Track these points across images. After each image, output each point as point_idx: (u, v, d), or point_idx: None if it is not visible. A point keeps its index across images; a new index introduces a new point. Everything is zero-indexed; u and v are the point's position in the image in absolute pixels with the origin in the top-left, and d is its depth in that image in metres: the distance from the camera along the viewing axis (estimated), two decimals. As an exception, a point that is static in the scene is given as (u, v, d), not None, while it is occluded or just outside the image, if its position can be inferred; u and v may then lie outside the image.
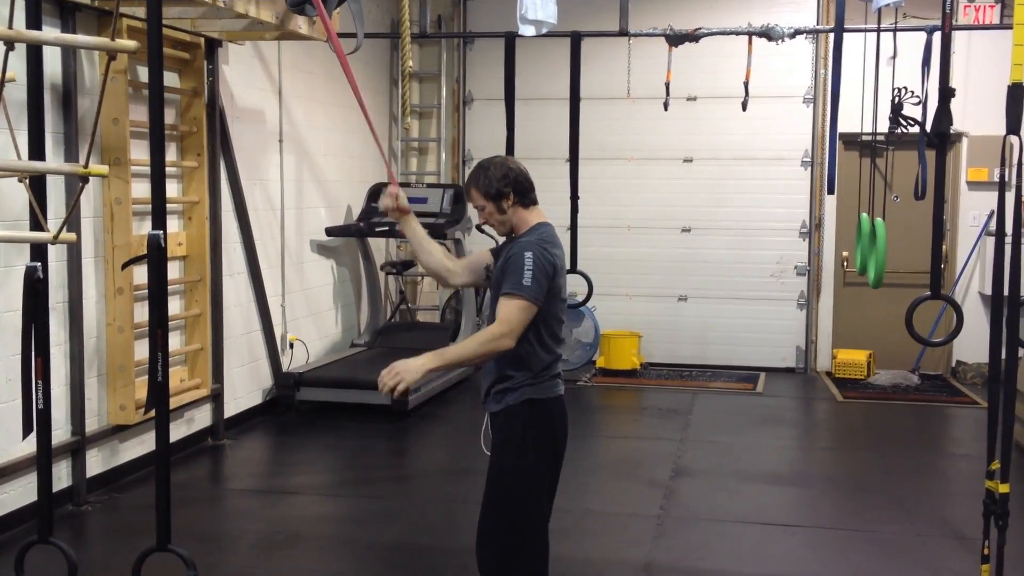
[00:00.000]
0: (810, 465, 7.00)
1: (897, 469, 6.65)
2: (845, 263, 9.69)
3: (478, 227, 7.46)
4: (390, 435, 7.42)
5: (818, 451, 7.48)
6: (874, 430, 7.90)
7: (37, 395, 4.17)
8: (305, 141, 8.32)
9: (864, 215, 6.18)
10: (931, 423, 8.12)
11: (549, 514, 3.67)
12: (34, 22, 4.12)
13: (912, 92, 5.67)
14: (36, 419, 4.20)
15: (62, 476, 5.45)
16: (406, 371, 3.32)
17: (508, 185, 3.56)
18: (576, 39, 6.87)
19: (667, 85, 6.93)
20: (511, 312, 3.39)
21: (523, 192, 3.60)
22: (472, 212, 8.48)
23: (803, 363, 9.84)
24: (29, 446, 4.71)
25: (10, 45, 3.33)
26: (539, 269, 3.43)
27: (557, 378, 3.64)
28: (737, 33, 6.74)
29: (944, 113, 5.13)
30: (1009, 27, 4.40)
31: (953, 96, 5.17)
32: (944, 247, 6.81)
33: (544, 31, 5.02)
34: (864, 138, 6.86)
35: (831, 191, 5.57)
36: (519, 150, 6.99)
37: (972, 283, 9.48)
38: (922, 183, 5.61)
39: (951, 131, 5.25)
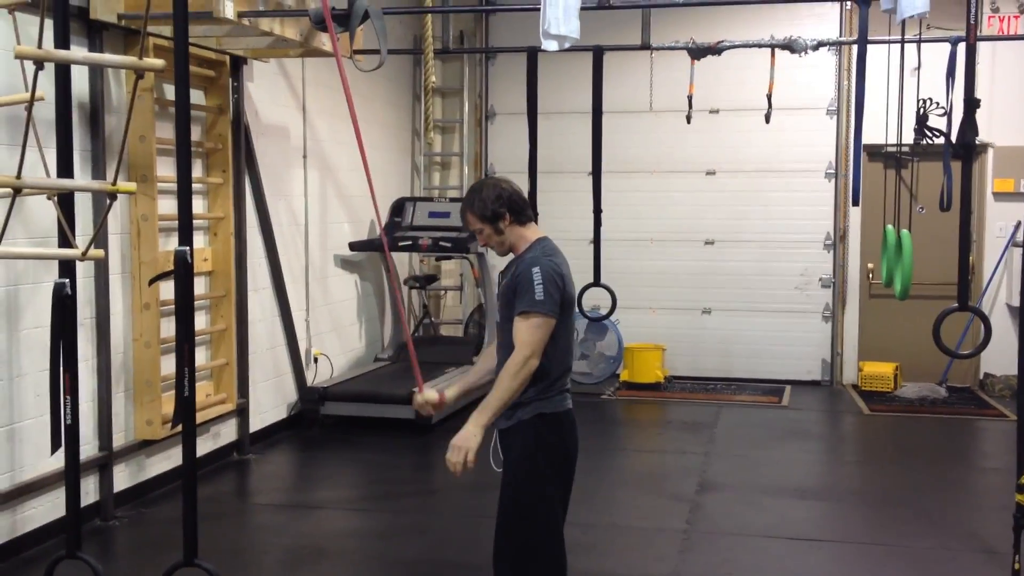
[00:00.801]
0: (837, 479, 6.95)
1: (925, 483, 6.58)
2: (871, 275, 9.63)
3: (477, 253, 7.47)
4: (414, 449, 7.43)
5: (845, 465, 7.43)
6: (901, 443, 7.83)
7: (65, 410, 4.21)
8: (329, 157, 8.37)
9: (890, 227, 6.15)
10: (959, 436, 8.04)
11: (563, 526, 3.66)
12: (63, 42, 4.18)
13: (937, 103, 5.65)
14: (64, 434, 4.24)
15: (90, 491, 5.49)
16: (466, 441, 3.38)
17: (503, 205, 3.57)
18: (599, 53, 6.88)
19: (690, 98, 6.93)
20: (530, 332, 3.40)
21: (518, 210, 3.61)
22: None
23: (829, 376, 9.78)
24: (57, 461, 4.74)
25: (39, 65, 3.37)
26: (549, 282, 3.44)
27: (566, 391, 3.64)
28: (760, 46, 6.73)
29: (969, 124, 5.09)
30: (1035, 37, 4.37)
31: (978, 107, 5.14)
32: (971, 258, 6.76)
33: (567, 46, 5.03)
34: (889, 149, 6.84)
35: (856, 203, 5.53)
36: (542, 164, 7.01)
37: (999, 294, 9.40)
38: (947, 194, 5.58)
39: (976, 142, 5.22)
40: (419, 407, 3.80)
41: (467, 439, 3.38)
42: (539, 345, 3.41)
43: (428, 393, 3.76)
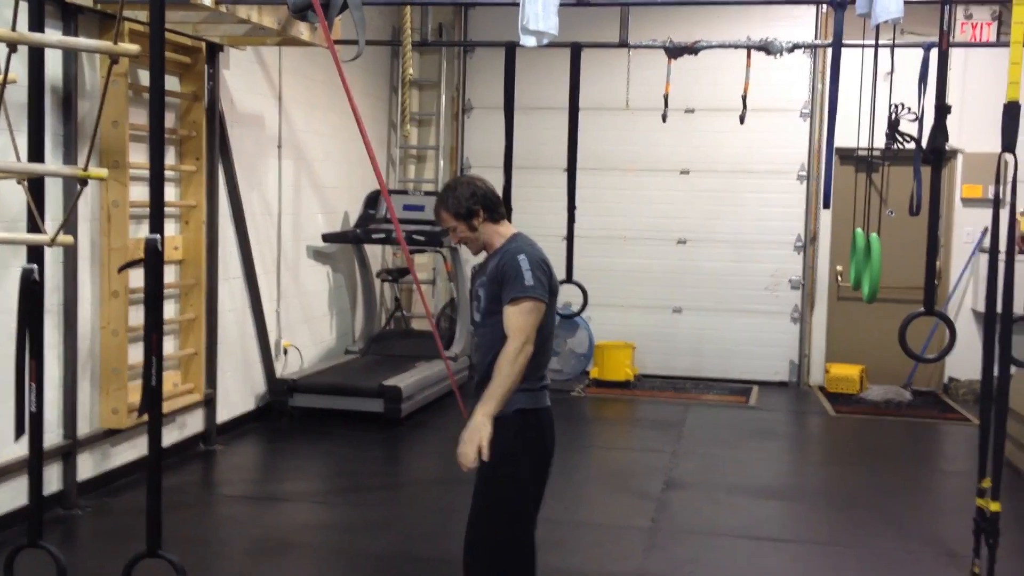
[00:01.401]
0: (802, 479, 7.01)
1: (888, 485, 6.65)
2: (839, 277, 9.71)
3: (451, 247, 7.41)
4: (383, 443, 7.42)
5: (810, 465, 7.49)
6: (866, 445, 7.91)
7: (30, 398, 4.17)
8: (304, 147, 8.33)
9: (859, 230, 6.20)
10: (923, 439, 8.14)
11: (535, 524, 3.68)
12: (37, 24, 4.13)
13: (909, 108, 5.70)
14: (28, 422, 4.20)
15: (53, 480, 5.44)
16: (475, 432, 3.34)
17: (477, 203, 3.59)
18: (576, 50, 6.90)
19: (666, 97, 6.97)
20: (520, 319, 3.41)
21: (492, 208, 3.62)
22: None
23: (796, 377, 9.86)
24: (20, 449, 4.69)
25: (12, 47, 3.33)
26: (537, 268, 3.47)
27: (546, 389, 3.66)
28: (736, 46, 6.78)
29: (940, 130, 5.16)
30: (1006, 45, 4.43)
31: (949, 113, 5.21)
32: (938, 263, 6.85)
33: (545, 42, 5.03)
34: (860, 153, 6.88)
35: (827, 205, 5.59)
36: (517, 159, 7.02)
37: (965, 299, 9.51)
38: (917, 199, 5.64)
39: (946, 148, 5.28)
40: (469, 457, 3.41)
41: (477, 430, 3.34)
42: (532, 330, 3.43)
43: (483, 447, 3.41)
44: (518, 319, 3.41)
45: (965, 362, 9.07)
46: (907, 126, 5.83)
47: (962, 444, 7.88)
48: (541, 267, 3.49)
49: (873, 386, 9.48)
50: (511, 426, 3.49)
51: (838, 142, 5.50)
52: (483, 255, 3.71)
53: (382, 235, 8.69)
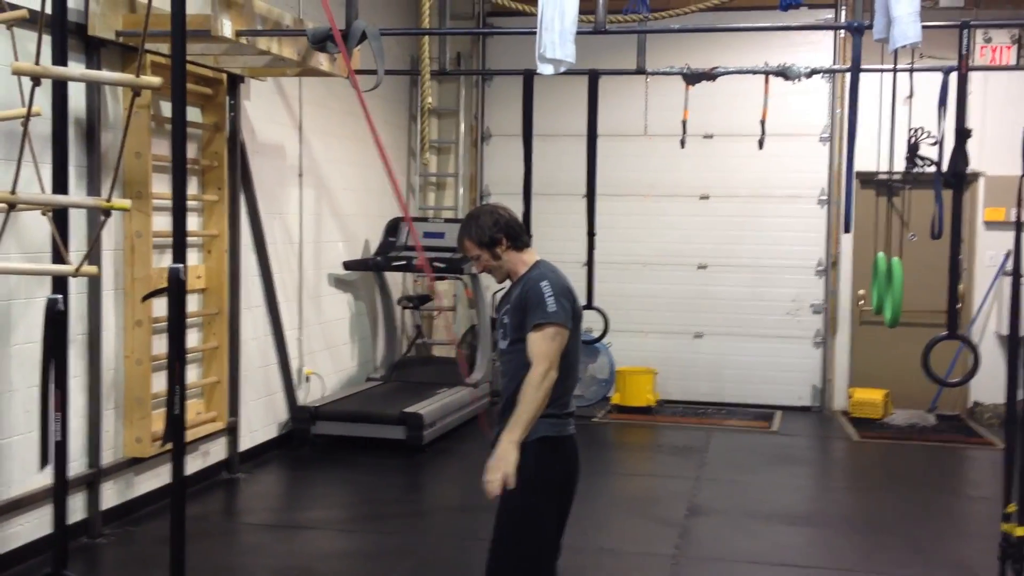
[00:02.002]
0: (826, 505, 6.94)
1: (913, 510, 6.59)
2: (861, 301, 9.66)
3: (471, 273, 7.40)
4: (405, 470, 7.41)
5: (834, 491, 7.43)
6: (890, 471, 7.83)
7: (55, 427, 4.20)
8: (324, 175, 8.39)
9: (881, 254, 6.18)
10: (948, 464, 8.05)
11: (559, 553, 3.66)
12: (60, 58, 4.19)
13: (928, 132, 5.70)
14: (53, 451, 4.23)
15: (77, 508, 5.46)
16: (500, 460, 3.36)
17: (500, 231, 3.61)
18: (594, 77, 6.94)
19: (684, 123, 6.99)
20: (544, 345, 3.42)
21: (515, 236, 3.65)
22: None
23: (819, 402, 9.79)
24: (45, 478, 4.72)
25: (36, 81, 3.38)
26: (560, 294, 3.48)
27: (571, 416, 3.65)
28: (754, 72, 6.79)
29: (960, 153, 5.15)
30: (1025, 69, 4.42)
31: (970, 136, 5.20)
32: (961, 287, 6.80)
33: (562, 70, 5.07)
34: (881, 177, 6.88)
35: (848, 229, 5.58)
36: (536, 186, 7.05)
37: (989, 323, 9.43)
38: (938, 222, 5.62)
39: (968, 171, 5.26)
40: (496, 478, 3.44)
41: (503, 458, 3.36)
42: (556, 356, 3.44)
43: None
44: (541, 345, 3.42)
45: (990, 386, 8.98)
46: (927, 150, 5.82)
47: (987, 469, 7.79)
48: (565, 293, 3.50)
49: (897, 411, 9.40)
50: (532, 454, 3.48)
51: (858, 166, 5.50)
52: (507, 283, 3.72)
53: (403, 262, 8.72)
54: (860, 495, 7.17)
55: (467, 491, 7.04)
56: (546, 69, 5.04)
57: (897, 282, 5.74)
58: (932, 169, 5.62)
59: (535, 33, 5.01)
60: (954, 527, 6.39)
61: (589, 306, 7.14)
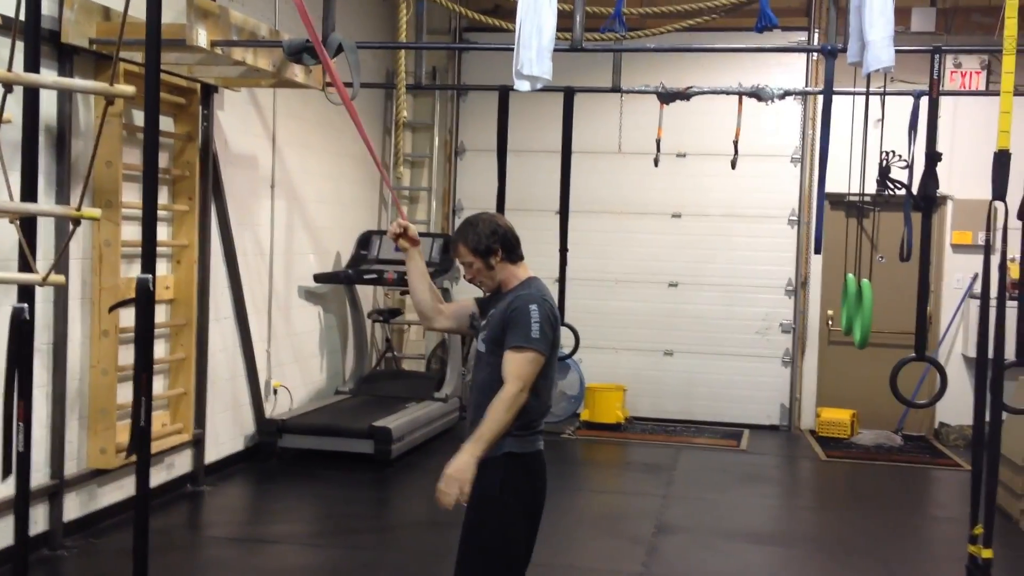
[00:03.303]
0: (793, 524, 6.97)
1: (880, 531, 6.63)
2: (830, 322, 9.73)
3: (442, 288, 7.46)
4: (373, 484, 7.36)
5: (801, 510, 7.46)
6: (857, 490, 7.88)
7: (18, 437, 4.13)
8: (297, 187, 8.35)
9: (850, 275, 6.23)
10: (914, 485, 8.11)
11: (526, 570, 3.64)
12: (33, 65, 4.15)
13: (899, 155, 5.76)
14: (16, 462, 4.16)
15: (39, 520, 5.38)
16: (459, 472, 3.34)
17: (497, 241, 3.58)
18: (569, 94, 6.97)
19: (658, 141, 7.02)
20: (522, 366, 3.41)
21: (511, 248, 3.63)
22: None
23: (787, 421, 9.84)
24: (6, 489, 4.65)
25: (8, 87, 3.34)
26: (545, 321, 3.47)
27: (540, 433, 3.62)
28: (728, 92, 6.83)
29: (930, 177, 5.21)
30: (995, 93, 4.48)
31: (940, 160, 5.26)
32: (928, 309, 6.88)
33: (539, 86, 5.08)
34: (851, 199, 6.93)
35: (818, 251, 5.62)
36: (509, 201, 7.05)
37: (956, 345, 9.53)
38: (907, 245, 5.68)
39: (937, 194, 5.32)
40: (396, 225, 3.83)
41: (462, 470, 3.33)
42: (531, 380, 3.43)
43: (412, 226, 3.83)
44: (519, 366, 3.41)
45: (956, 407, 9.06)
46: (897, 173, 5.88)
47: (954, 489, 7.86)
48: (549, 321, 3.49)
49: (864, 431, 9.47)
50: (499, 469, 3.46)
51: (829, 187, 5.54)
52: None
53: (373, 275, 8.69)
54: (827, 514, 7.21)
55: (435, 506, 6.97)
56: (523, 85, 5.04)
57: (867, 304, 5.79)
58: (902, 192, 5.68)
59: (511, 49, 5.02)
60: (921, 548, 6.43)
61: (560, 322, 7.14)
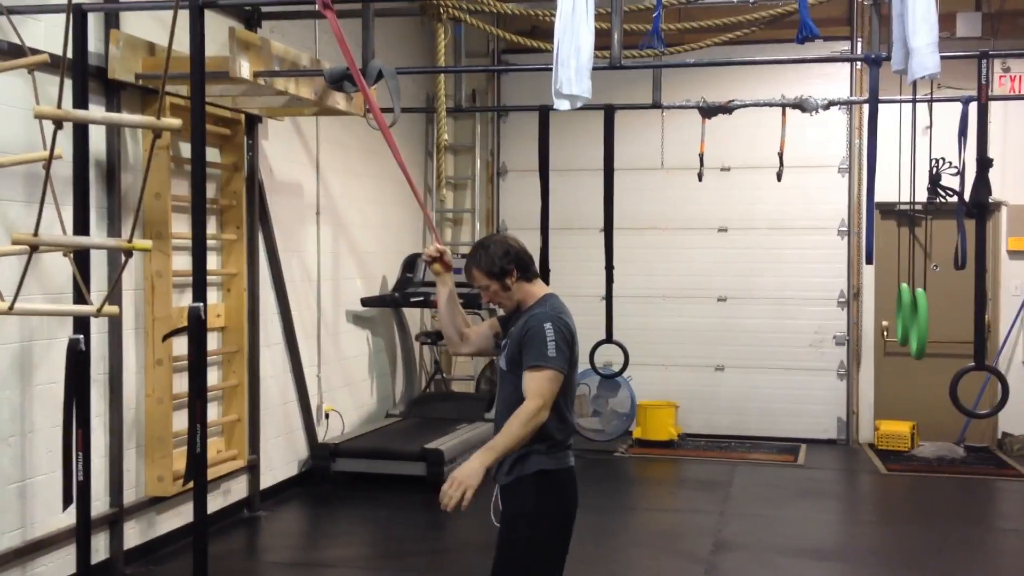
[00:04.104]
0: (855, 540, 6.85)
1: (944, 544, 6.49)
2: (885, 332, 9.58)
3: (487, 307, 7.47)
4: (425, 506, 7.35)
5: (863, 525, 7.33)
6: (919, 504, 7.73)
7: (77, 467, 4.20)
8: (341, 213, 8.42)
9: (904, 285, 6.14)
10: (978, 497, 7.94)
11: None
12: (81, 101, 4.24)
13: (949, 162, 5.67)
14: (76, 491, 4.22)
15: (100, 548, 5.44)
16: (466, 477, 3.33)
17: (511, 262, 3.60)
18: (610, 112, 6.96)
19: (701, 156, 6.98)
20: (541, 384, 3.41)
21: (525, 267, 3.64)
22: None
23: (845, 434, 9.69)
24: (68, 518, 4.72)
25: (59, 124, 3.41)
26: (561, 339, 3.47)
27: (569, 449, 3.63)
28: (770, 105, 6.79)
29: (982, 183, 5.12)
30: (1046, 96, 4.40)
31: (991, 166, 5.16)
32: (986, 317, 6.74)
33: (578, 105, 5.07)
34: (901, 207, 6.84)
35: (869, 261, 5.53)
36: (553, 221, 7.05)
37: (1016, 353, 9.33)
38: (962, 253, 5.58)
39: (990, 200, 5.23)
40: (432, 249, 3.77)
41: (469, 476, 3.32)
42: (550, 398, 3.43)
43: (447, 251, 3.79)
44: (538, 385, 3.42)
45: (1019, 416, 8.87)
46: (948, 180, 5.78)
47: (1019, 501, 7.68)
48: (565, 338, 3.49)
49: (925, 443, 9.28)
50: (531, 489, 3.48)
51: (878, 197, 5.46)
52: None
53: (420, 298, 8.71)
54: (889, 529, 7.07)
55: (488, 528, 6.97)
56: (562, 105, 5.04)
57: (922, 313, 5.69)
58: (954, 199, 5.59)
59: (550, 69, 5.02)
60: (987, 561, 6.28)
61: (609, 340, 7.11)
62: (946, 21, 6.67)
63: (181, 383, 5.75)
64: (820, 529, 6.98)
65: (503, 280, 3.60)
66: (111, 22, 5.35)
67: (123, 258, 3.75)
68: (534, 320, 3.51)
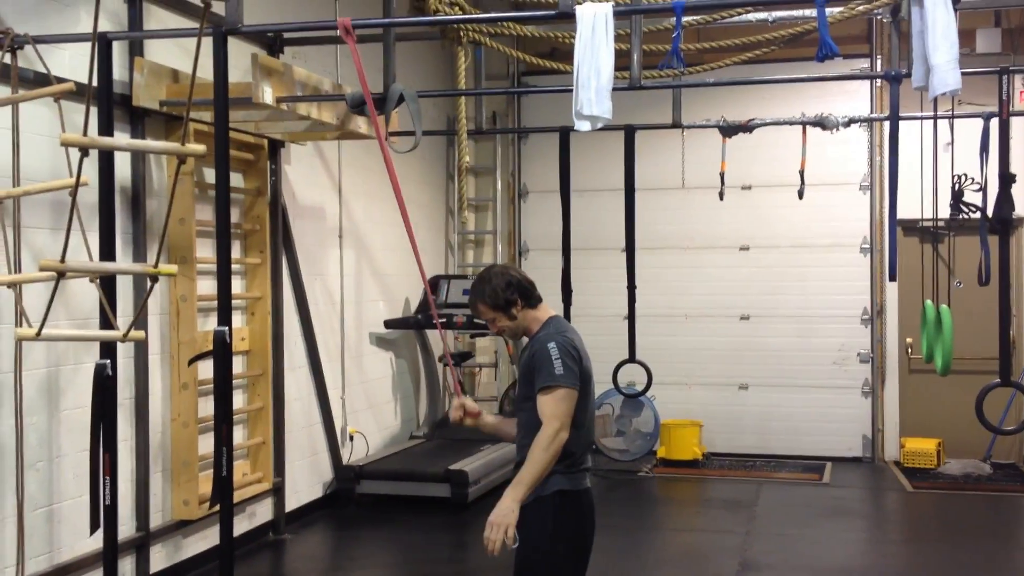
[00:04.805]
0: (881, 559, 6.78)
1: (972, 562, 6.42)
2: (909, 349, 9.52)
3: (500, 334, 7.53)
4: (450, 528, 7.35)
5: (889, 544, 7.26)
6: (947, 522, 7.65)
7: (104, 491, 4.23)
8: (364, 236, 8.46)
9: (928, 302, 6.10)
10: (1006, 514, 7.85)
11: None
12: (106, 128, 4.29)
13: (972, 178, 5.65)
14: (103, 515, 4.25)
15: (126, 572, 5.47)
16: (502, 517, 3.38)
17: (514, 292, 3.63)
18: (630, 132, 6.97)
19: (722, 175, 6.98)
20: (555, 406, 3.43)
21: (528, 295, 3.67)
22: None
23: (870, 452, 9.61)
24: (95, 542, 4.74)
25: (84, 151, 3.46)
26: (566, 355, 3.49)
27: (587, 471, 3.64)
28: (791, 123, 6.79)
29: (1006, 199, 5.09)
30: (1068, 111, 4.38)
31: (1014, 181, 5.14)
32: (1011, 333, 6.68)
33: (599, 126, 5.09)
34: (924, 224, 6.81)
35: (892, 278, 5.50)
36: (575, 241, 7.06)
37: (1042, 369, 9.25)
38: (986, 269, 5.55)
39: (1013, 216, 5.20)
40: (455, 409, 3.81)
41: (505, 515, 3.37)
42: (566, 417, 3.44)
43: (468, 401, 3.79)
44: (550, 406, 3.44)
45: (1045, 433, 8.78)
46: (971, 196, 5.76)
47: (1048, 519, 7.60)
48: (570, 354, 3.51)
49: (951, 460, 9.20)
50: (549, 509, 3.48)
51: (900, 214, 5.44)
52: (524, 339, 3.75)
53: (443, 320, 8.74)
54: (917, 547, 7.00)
55: (513, 549, 6.96)
56: (583, 126, 5.05)
57: (947, 330, 5.66)
58: (977, 215, 5.56)
59: (570, 91, 5.03)
60: (1015, 580, 6.21)
61: (632, 359, 7.10)
62: (966, 37, 6.66)
63: (206, 407, 5.79)
64: (846, 548, 6.92)
65: (508, 311, 3.64)
66: (135, 50, 5.43)
67: (149, 283, 3.79)
68: (539, 344, 3.55)
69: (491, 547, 3.37)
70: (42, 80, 4.61)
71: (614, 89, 5.07)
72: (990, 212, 5.30)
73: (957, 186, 5.81)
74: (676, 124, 6.91)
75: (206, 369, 5.35)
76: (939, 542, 7.06)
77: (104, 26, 4.92)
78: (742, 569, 6.25)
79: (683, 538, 7.37)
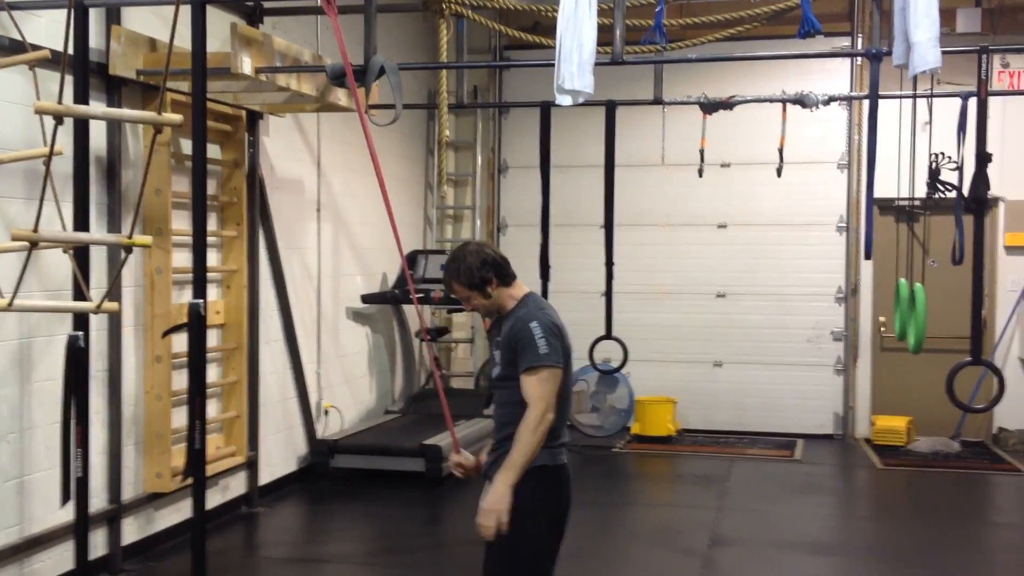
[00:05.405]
0: (851, 534, 6.87)
1: (940, 539, 6.50)
2: (883, 328, 9.60)
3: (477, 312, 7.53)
4: (424, 503, 7.37)
5: (859, 520, 7.35)
6: (915, 498, 7.75)
7: (76, 463, 4.21)
8: (342, 210, 8.42)
9: (903, 280, 6.15)
10: (973, 491, 7.96)
11: None
12: (82, 97, 4.24)
13: (949, 157, 5.68)
14: (74, 487, 4.23)
15: (98, 544, 5.45)
16: (495, 503, 3.40)
17: (489, 271, 3.61)
18: (611, 107, 6.96)
19: (701, 152, 6.99)
20: (540, 387, 3.44)
21: (503, 273, 3.65)
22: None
23: (841, 429, 9.71)
24: (66, 514, 4.73)
25: (59, 119, 3.41)
26: (549, 334, 3.49)
27: (564, 447, 3.65)
28: (771, 101, 6.79)
29: (981, 178, 5.13)
30: (1045, 93, 4.41)
31: (990, 161, 5.18)
32: (983, 312, 6.74)
33: (580, 100, 5.07)
34: (900, 203, 6.85)
35: (868, 256, 5.54)
36: (554, 217, 7.06)
37: (1012, 348, 9.35)
38: (959, 248, 5.59)
39: (988, 196, 5.24)
40: (453, 468, 3.83)
41: (498, 501, 3.40)
42: (552, 397, 3.46)
43: (465, 457, 3.78)
44: (537, 388, 3.44)
45: (1014, 411, 8.90)
46: (947, 175, 5.80)
47: (1014, 495, 7.70)
48: (553, 332, 3.51)
49: (920, 438, 9.30)
50: (530, 481, 3.49)
51: (877, 192, 5.47)
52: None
53: (420, 295, 8.72)
54: (885, 523, 7.09)
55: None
56: (564, 100, 5.04)
57: (920, 308, 5.71)
58: (953, 195, 5.60)
59: (551, 65, 5.02)
60: (982, 555, 6.30)
61: (608, 336, 7.13)
62: (946, 17, 6.66)
63: (180, 380, 5.76)
64: (816, 524, 7.00)
65: (483, 289, 3.62)
66: (112, 18, 5.35)
67: (123, 254, 3.75)
68: (519, 323, 3.54)
69: (487, 534, 3.40)
70: (17, 47, 4.53)
71: (596, 64, 5.06)
72: (966, 191, 5.34)
73: (934, 165, 5.84)
74: (657, 100, 6.90)
75: (180, 342, 5.32)
76: (907, 518, 7.15)
77: (79, -8, 4.84)
78: (713, 544, 6.31)
79: (655, 513, 7.42)
